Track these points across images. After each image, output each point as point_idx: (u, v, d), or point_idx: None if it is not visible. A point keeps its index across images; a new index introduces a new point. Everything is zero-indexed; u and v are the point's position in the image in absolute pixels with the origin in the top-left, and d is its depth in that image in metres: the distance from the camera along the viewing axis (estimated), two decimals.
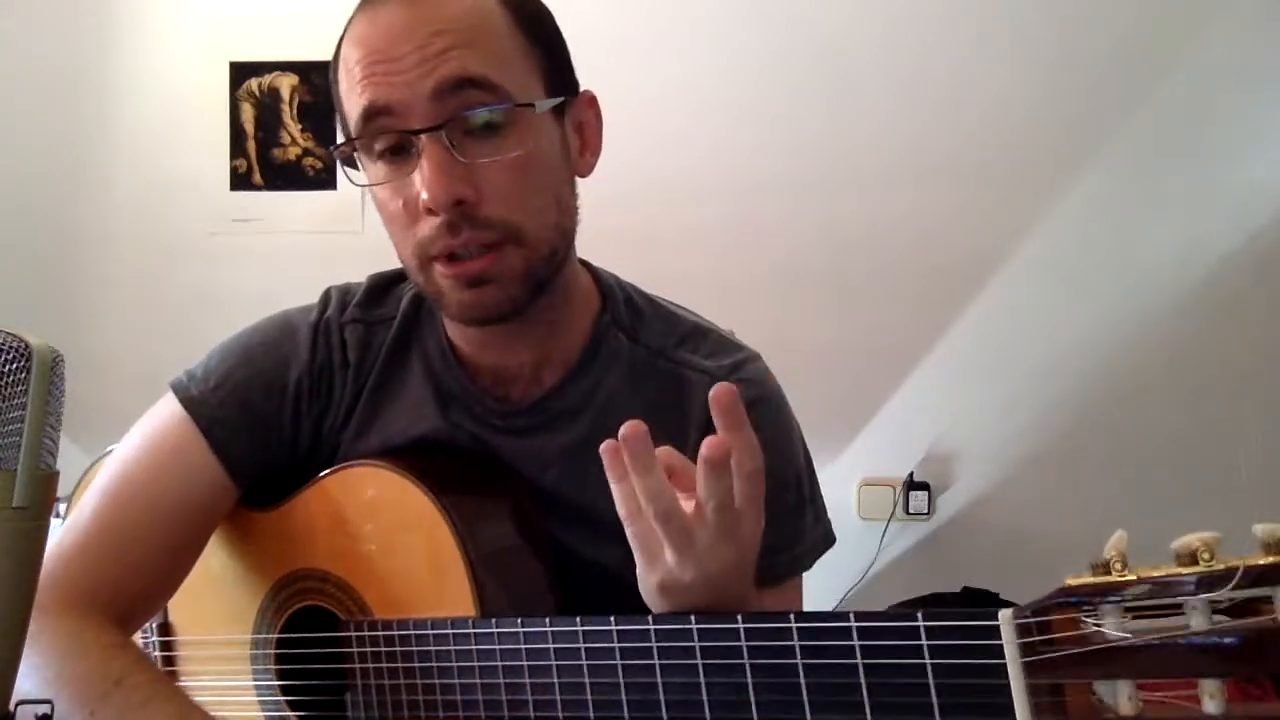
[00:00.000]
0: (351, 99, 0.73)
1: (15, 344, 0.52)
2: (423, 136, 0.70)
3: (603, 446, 0.62)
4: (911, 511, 2.14)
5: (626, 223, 1.99)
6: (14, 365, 0.52)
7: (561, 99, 0.78)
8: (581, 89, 0.82)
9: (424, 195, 0.70)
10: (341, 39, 0.76)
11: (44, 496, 0.53)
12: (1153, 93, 2.07)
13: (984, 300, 2.13)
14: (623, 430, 0.61)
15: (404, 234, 0.74)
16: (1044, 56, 2.10)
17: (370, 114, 0.71)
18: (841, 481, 2.15)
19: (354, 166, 0.78)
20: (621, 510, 0.62)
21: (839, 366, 2.14)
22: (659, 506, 0.60)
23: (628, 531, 0.63)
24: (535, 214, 0.74)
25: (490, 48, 0.72)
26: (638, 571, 0.65)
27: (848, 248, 2.15)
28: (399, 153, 0.73)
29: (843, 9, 2.14)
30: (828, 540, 0.87)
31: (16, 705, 0.54)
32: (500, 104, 0.71)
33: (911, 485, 2.15)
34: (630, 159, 2.06)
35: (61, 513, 1.76)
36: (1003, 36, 2.11)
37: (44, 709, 0.54)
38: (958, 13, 2.11)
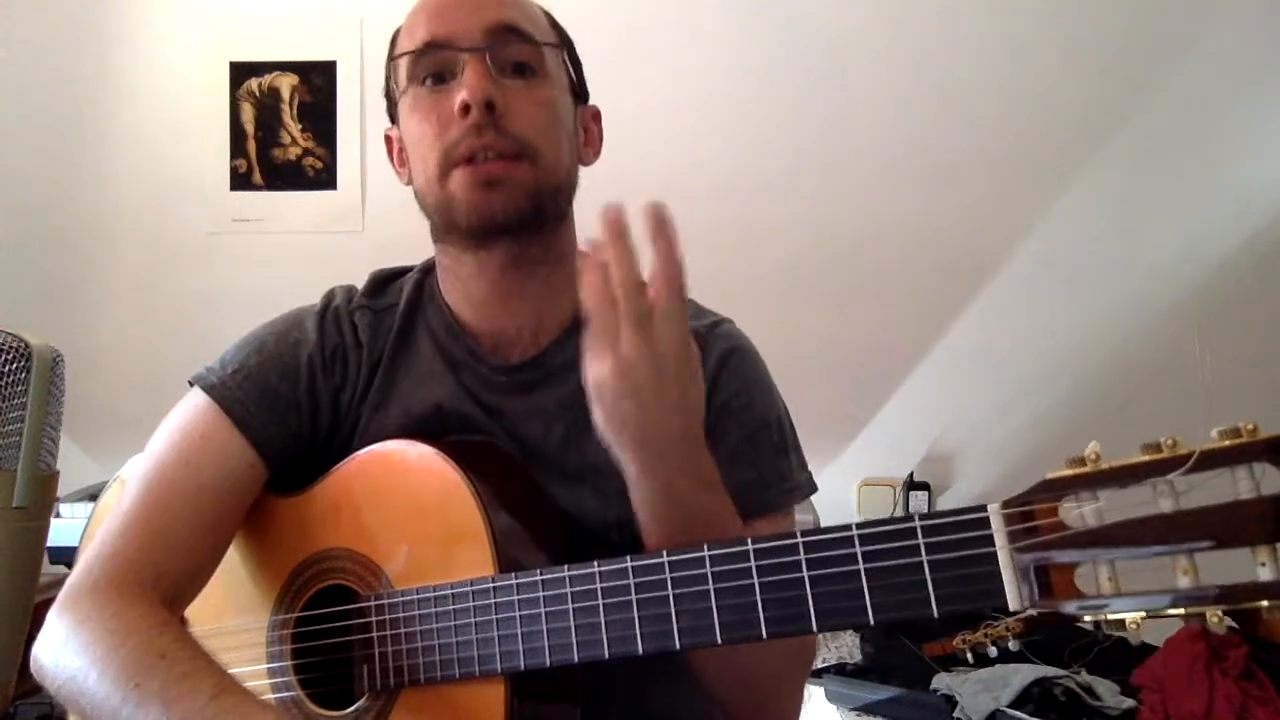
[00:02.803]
0: (413, 39, 0.85)
1: (15, 344, 0.52)
2: (466, 56, 0.82)
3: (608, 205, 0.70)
4: (911, 511, 2.14)
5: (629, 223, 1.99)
6: (14, 365, 0.52)
7: (576, 82, 0.90)
8: (589, 103, 0.93)
9: (463, 94, 0.80)
10: (402, 25, 0.88)
11: (44, 496, 0.53)
12: (1153, 93, 2.07)
13: (984, 300, 2.13)
14: (605, 213, 0.69)
15: (432, 145, 0.83)
16: (1045, 57, 2.10)
17: (428, 45, 0.83)
18: (841, 481, 2.16)
19: (393, 101, 0.89)
20: (594, 296, 0.69)
21: (839, 366, 2.14)
22: (629, 276, 0.68)
23: (593, 322, 0.69)
24: (551, 143, 0.84)
25: (532, 17, 0.87)
26: (588, 373, 0.70)
27: (848, 248, 2.15)
28: (441, 81, 0.84)
29: (842, 10, 2.14)
30: (812, 486, 0.93)
31: (17, 704, 0.54)
32: (536, 44, 0.85)
33: (911, 485, 2.15)
34: (632, 159, 2.06)
35: (61, 513, 1.77)
36: (1003, 38, 2.11)
37: (43, 709, 0.55)
38: (958, 15, 2.11)
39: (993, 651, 1.56)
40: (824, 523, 1.75)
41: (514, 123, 0.81)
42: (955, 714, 1.58)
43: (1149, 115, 2.07)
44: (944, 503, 2.17)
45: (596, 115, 0.93)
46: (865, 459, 2.18)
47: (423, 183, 0.85)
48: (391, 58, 0.88)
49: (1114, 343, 2.09)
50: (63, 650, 0.75)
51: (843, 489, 2.16)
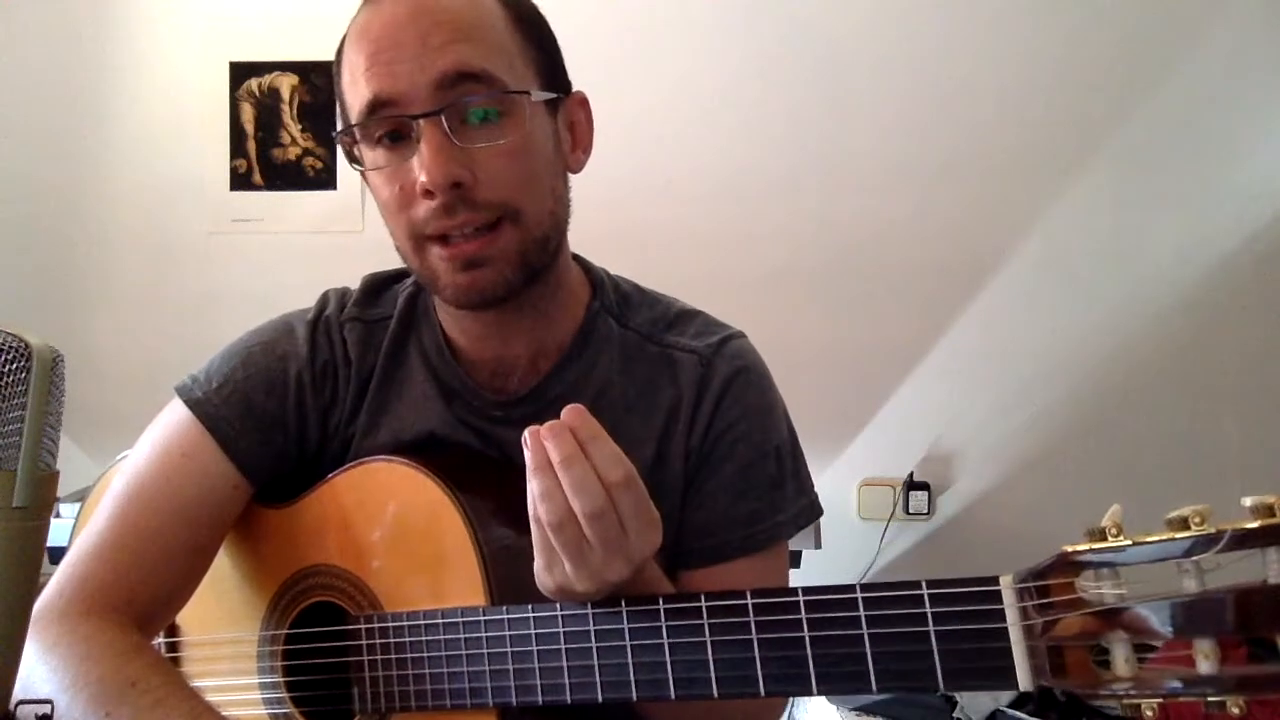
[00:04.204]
0: (356, 91, 0.75)
1: (15, 344, 0.52)
2: (421, 122, 0.72)
3: (528, 431, 0.64)
4: (911, 511, 2.14)
5: (629, 223, 1.99)
6: (14, 365, 0.52)
7: (554, 95, 0.80)
8: (574, 90, 0.84)
9: (422, 177, 0.72)
10: (345, 36, 0.78)
11: (44, 496, 0.53)
12: (1153, 92, 2.07)
13: (984, 300, 2.13)
14: (566, 413, 0.63)
15: (398, 217, 0.76)
16: (1044, 57, 2.10)
17: (374, 105, 0.74)
18: (841, 481, 2.15)
19: (354, 159, 0.80)
20: (540, 509, 0.63)
21: (839, 366, 2.14)
22: (556, 510, 0.62)
23: (534, 531, 0.65)
24: (531, 197, 0.76)
25: (488, 42, 0.75)
26: (535, 570, 0.67)
27: (848, 248, 2.15)
28: (398, 140, 0.75)
29: (843, 11, 2.14)
30: (813, 511, 0.88)
31: (17, 704, 0.54)
32: (496, 93, 0.74)
33: (911, 485, 2.15)
34: (633, 160, 2.06)
35: (61, 513, 1.76)
36: (1003, 37, 2.11)
37: (44, 709, 0.54)
38: (958, 14, 2.11)
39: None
40: (824, 524, 1.74)
41: (486, 190, 0.73)
42: (955, 714, 1.58)
43: (1149, 115, 2.07)
44: (944, 502, 2.17)
45: (582, 102, 0.84)
46: (865, 459, 2.17)
47: (399, 245, 0.79)
48: (343, 129, 0.78)
49: (1114, 342, 2.09)
50: (32, 675, 0.72)
51: (843, 489, 2.16)
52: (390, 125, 0.74)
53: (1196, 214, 2.08)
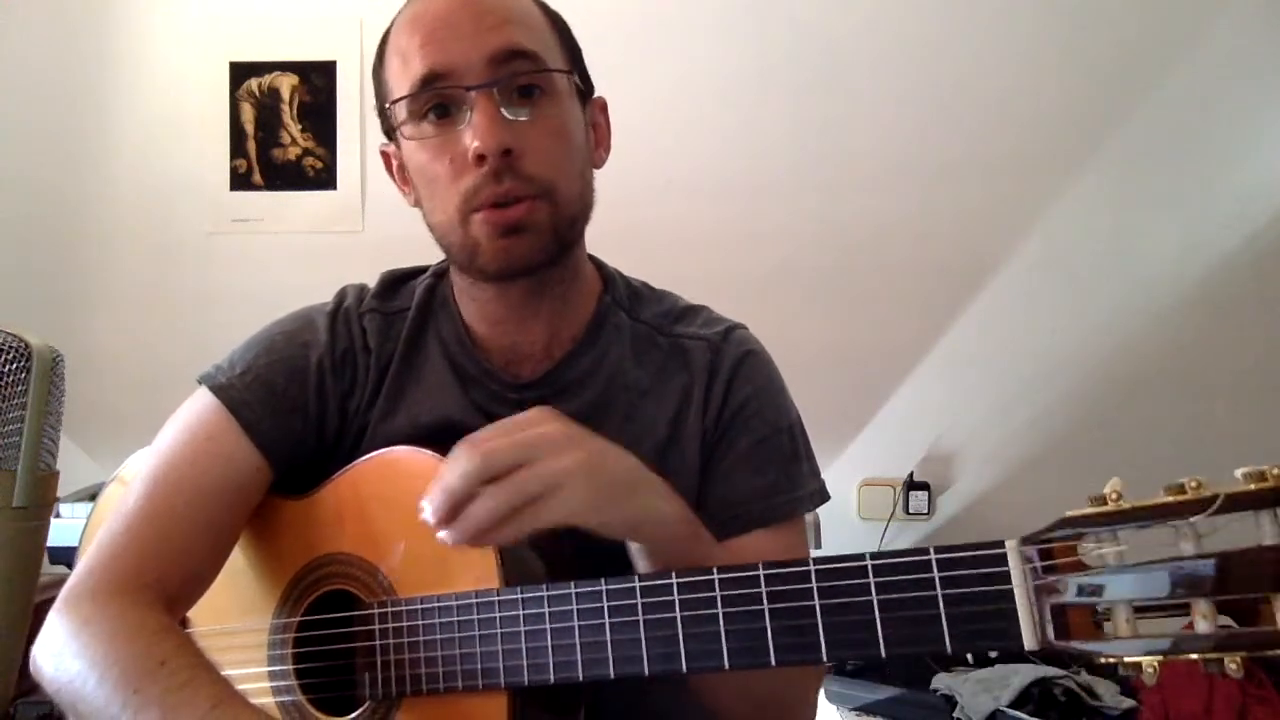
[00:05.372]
0: (407, 69, 0.80)
1: (15, 344, 0.52)
2: (474, 93, 0.77)
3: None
4: (911, 511, 2.14)
5: (629, 223, 1.99)
6: (14, 365, 0.52)
7: (585, 89, 0.87)
8: (595, 95, 0.90)
9: (475, 144, 0.77)
10: (391, 27, 0.84)
11: (44, 496, 0.53)
12: (1153, 93, 2.07)
13: (984, 300, 2.13)
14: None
15: (448, 189, 0.80)
16: (1045, 58, 2.10)
17: (428, 79, 0.79)
18: (841, 481, 2.15)
19: (392, 137, 0.86)
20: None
21: (839, 366, 2.14)
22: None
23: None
24: (566, 177, 0.81)
25: (533, 30, 0.82)
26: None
27: (849, 248, 2.15)
28: (444, 115, 0.80)
29: (844, 11, 2.14)
30: (824, 495, 0.91)
31: (17, 704, 0.54)
32: (543, 69, 0.80)
33: (911, 485, 2.15)
34: (634, 160, 2.06)
35: (61, 513, 1.77)
36: (1004, 38, 2.11)
37: (43, 708, 0.55)
38: (959, 15, 2.12)
39: (993, 651, 1.56)
40: (824, 524, 1.75)
41: (530, 163, 0.78)
42: (955, 714, 1.58)
43: (1148, 115, 2.07)
44: (944, 502, 2.17)
45: (603, 106, 0.91)
46: (865, 459, 2.18)
47: (441, 221, 0.83)
48: (389, 101, 0.83)
49: (1113, 342, 2.09)
50: (63, 653, 0.74)
51: (843, 489, 2.16)
52: (440, 98, 0.79)
53: (1196, 214, 2.08)
